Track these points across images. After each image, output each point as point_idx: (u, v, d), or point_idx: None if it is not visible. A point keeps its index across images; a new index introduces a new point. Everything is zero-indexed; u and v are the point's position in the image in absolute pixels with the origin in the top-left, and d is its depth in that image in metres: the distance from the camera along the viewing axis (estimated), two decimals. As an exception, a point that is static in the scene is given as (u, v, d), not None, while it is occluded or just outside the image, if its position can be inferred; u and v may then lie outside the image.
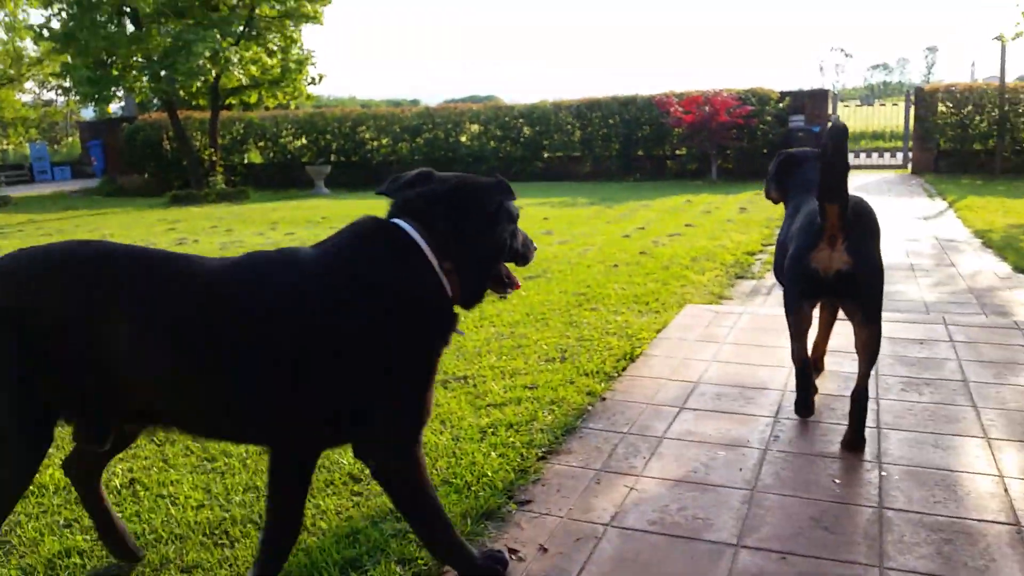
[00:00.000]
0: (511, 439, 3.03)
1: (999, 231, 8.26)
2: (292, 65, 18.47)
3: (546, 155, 18.83)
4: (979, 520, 2.38)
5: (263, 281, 1.87)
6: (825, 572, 2.15)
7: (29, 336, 1.73)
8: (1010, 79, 15.93)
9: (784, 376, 3.75)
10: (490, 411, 3.29)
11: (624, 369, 3.94)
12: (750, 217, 9.89)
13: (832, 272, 2.89)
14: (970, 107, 15.76)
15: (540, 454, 2.95)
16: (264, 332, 1.81)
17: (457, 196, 2.02)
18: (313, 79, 19.47)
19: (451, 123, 19.45)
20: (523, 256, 2.18)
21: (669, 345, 4.34)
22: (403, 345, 1.92)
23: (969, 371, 3.76)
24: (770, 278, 6.36)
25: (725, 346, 4.29)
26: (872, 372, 3.74)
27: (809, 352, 3.39)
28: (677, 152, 17.47)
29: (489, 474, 2.72)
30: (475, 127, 19.37)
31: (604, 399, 3.53)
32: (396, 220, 1.99)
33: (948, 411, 3.26)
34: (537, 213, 11.21)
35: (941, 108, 16.10)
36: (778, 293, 5.77)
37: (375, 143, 20.14)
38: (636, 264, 6.77)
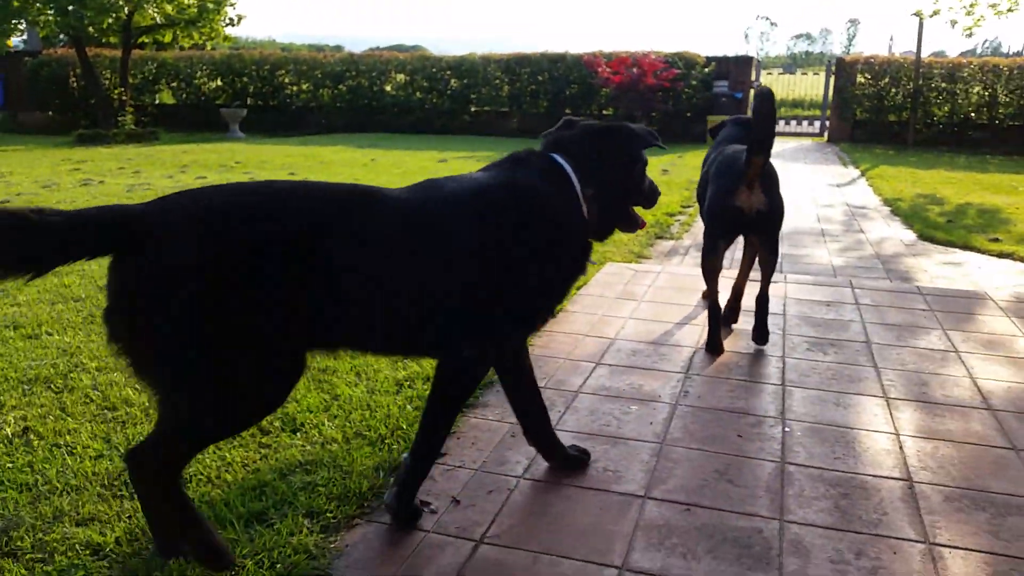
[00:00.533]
0: (427, 391, 2.99)
1: (907, 200, 8.60)
2: (210, 5, 17.61)
3: (473, 109, 18.62)
4: (875, 476, 2.49)
5: (449, 203, 2.06)
6: (728, 523, 2.21)
7: (274, 266, 1.75)
8: (925, 55, 16.49)
9: (697, 334, 3.84)
10: (407, 364, 3.25)
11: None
12: (671, 179, 10.02)
13: (753, 211, 3.42)
14: (887, 79, 16.27)
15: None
16: (453, 247, 1.99)
17: (604, 136, 2.33)
18: (231, 20, 18.63)
19: (376, 72, 18.99)
20: (648, 198, 2.47)
21: (589, 302, 4.37)
22: (547, 256, 2.15)
23: (872, 333, 3.92)
24: (688, 239, 6.47)
25: (643, 304, 4.35)
26: (780, 331, 3.89)
27: (728, 296, 4.04)
28: (604, 112, 17.51)
29: (404, 427, 2.69)
30: (401, 77, 18.97)
31: (522, 354, 3.53)
32: (550, 153, 2.28)
33: (851, 371, 3.40)
34: (462, 167, 11.09)
35: (860, 79, 16.57)
36: (695, 253, 5.88)
37: (295, 88, 19.52)
38: (559, 221, 6.77)
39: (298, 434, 2.66)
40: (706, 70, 16.82)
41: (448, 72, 18.55)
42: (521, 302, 2.12)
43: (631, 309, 4.24)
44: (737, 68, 17.26)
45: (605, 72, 16.16)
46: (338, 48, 34.04)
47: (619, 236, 6.23)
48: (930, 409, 3.01)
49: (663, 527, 2.19)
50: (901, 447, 2.69)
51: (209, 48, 21.18)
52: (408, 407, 2.86)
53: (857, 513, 2.27)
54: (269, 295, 1.75)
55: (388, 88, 19.03)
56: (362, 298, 1.90)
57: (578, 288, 4.63)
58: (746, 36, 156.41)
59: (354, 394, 2.96)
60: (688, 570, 2.00)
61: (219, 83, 19.91)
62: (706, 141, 16.08)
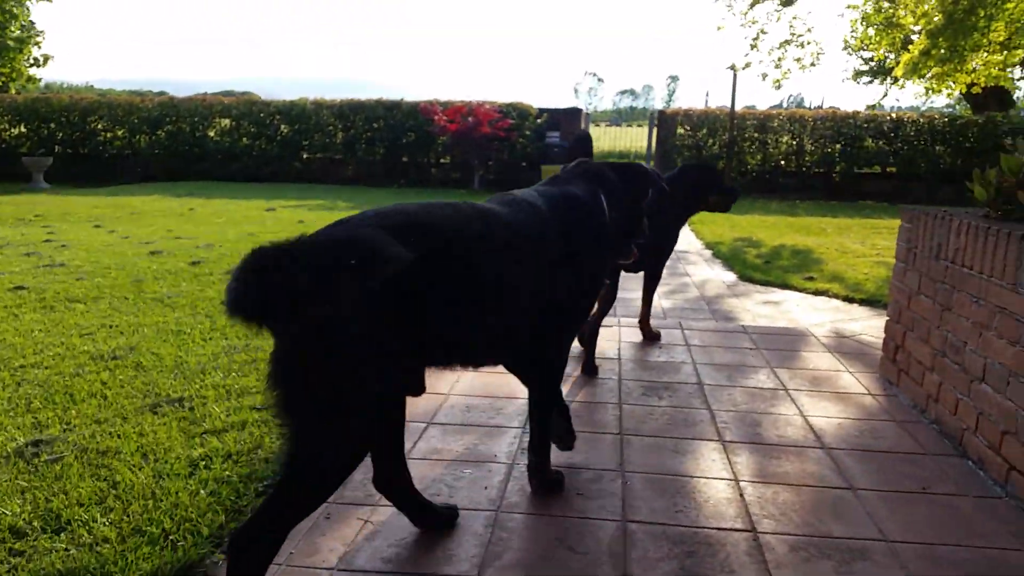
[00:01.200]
0: (228, 472, 2.59)
1: (727, 243, 9.01)
2: (11, 43, 16.12)
3: (305, 156, 18.03)
4: (718, 528, 2.36)
5: (532, 217, 2.29)
6: (569, 599, 1.99)
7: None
8: (739, 107, 17.73)
9: (534, 385, 3.66)
10: (206, 439, 2.83)
11: (370, 382, 3.64)
12: (508, 225, 10.00)
13: None
14: (704, 130, 17.30)
15: (261, 488, 2.55)
16: (536, 253, 2.22)
17: (626, 171, 2.76)
18: (37, 60, 17.14)
19: (198, 116, 18.01)
20: (643, 233, 2.80)
21: (420, 355, 4.10)
22: (601, 265, 2.62)
23: (704, 374, 3.89)
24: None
25: (477, 355, 4.13)
26: (616, 376, 3.78)
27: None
28: (442, 160, 17.49)
29: (195, 518, 2.28)
30: (226, 122, 18.09)
31: (345, 417, 3.20)
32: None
33: (686, 414, 3.32)
34: (291, 216, 10.58)
35: (680, 131, 17.52)
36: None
37: (108, 134, 18.13)
38: (392, 270, 6.48)
39: (62, 535, 2.19)
40: (539, 121, 17.22)
41: (278, 117, 17.90)
42: (583, 305, 2.55)
43: (465, 361, 4.01)
44: (567, 120, 17.79)
45: (441, 120, 16.16)
46: (161, 93, 32.24)
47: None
48: (766, 451, 2.96)
49: (498, 613, 1.93)
50: (741, 494, 2.59)
51: (13, 91, 19.37)
52: (202, 492, 2.45)
53: (704, 573, 2.12)
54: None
55: (212, 134, 18.08)
56: (479, 307, 2.02)
57: (409, 340, 4.35)
58: (575, 91, 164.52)
59: (137, 480, 2.51)
60: (526, 664, 1.74)
61: (22, 129, 18.17)
62: (541, 188, 16.43)
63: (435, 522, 2.32)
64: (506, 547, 2.23)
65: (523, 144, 16.83)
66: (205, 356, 3.91)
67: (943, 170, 15.52)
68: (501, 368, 3.89)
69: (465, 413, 3.28)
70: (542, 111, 17.54)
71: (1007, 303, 2.74)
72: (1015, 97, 17.34)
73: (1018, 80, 18.21)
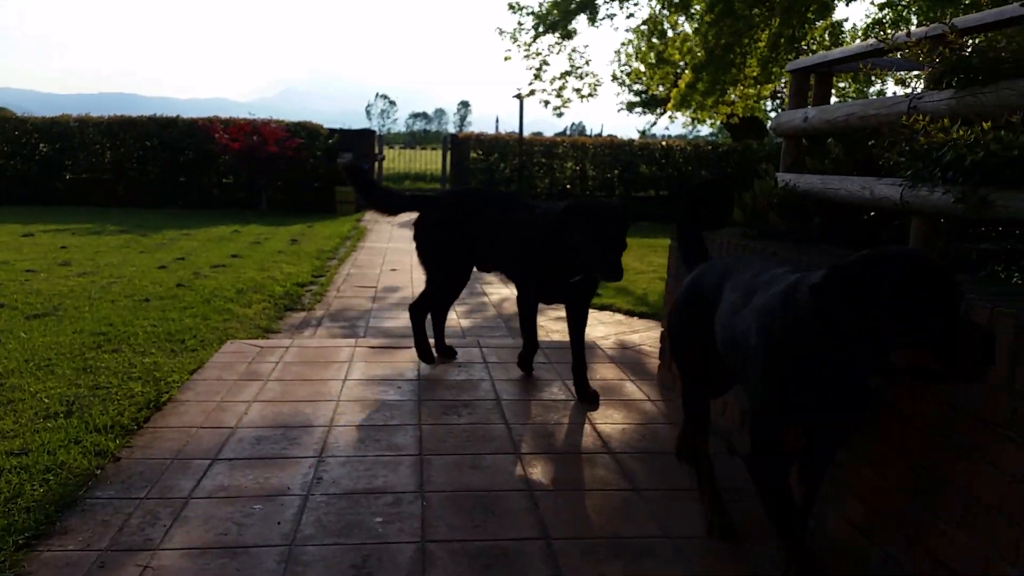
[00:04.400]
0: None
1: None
2: None
3: (69, 176, 16.40)
4: (515, 539, 2.41)
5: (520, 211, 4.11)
6: (369, 628, 1.93)
7: None
8: (527, 133, 18.45)
9: (330, 410, 3.55)
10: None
11: (147, 420, 3.35)
12: (301, 248, 9.70)
13: None
14: (496, 155, 17.83)
15: (22, 541, 2.27)
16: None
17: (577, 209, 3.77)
18: None
19: (-62, 133, 15.84)
20: (597, 268, 3.64)
21: (205, 388, 3.84)
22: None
23: (501, 390, 3.98)
24: (320, 309, 6.19)
25: (269, 384, 3.94)
26: (416, 398, 3.77)
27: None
28: (225, 180, 16.61)
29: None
30: (-28, 140, 16.05)
31: (119, 459, 2.92)
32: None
33: (484, 430, 3.37)
34: (52, 241, 9.57)
35: (473, 154, 17.93)
36: (329, 324, 5.62)
37: None
38: (172, 298, 6.05)
39: None
40: (330, 141, 16.89)
41: (36, 135, 16.17)
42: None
43: (255, 391, 3.81)
44: (361, 141, 17.62)
45: (223, 139, 15.35)
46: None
47: (242, 309, 5.73)
48: (559, 459, 3.07)
49: (293, 652, 1.83)
50: (536, 504, 2.66)
51: None
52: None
53: (503, 586, 2.14)
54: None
55: (-48, 152, 15.97)
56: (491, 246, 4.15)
57: (191, 372, 4.06)
58: (368, 113, 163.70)
59: None
60: None
61: None
62: (336, 211, 16.09)
63: None
64: (301, 582, 2.13)
65: (314, 164, 16.41)
66: (-57, 401, 3.41)
67: (708, 194, 17.05)
68: (298, 394, 3.77)
69: (255, 446, 3.11)
70: (333, 131, 17.23)
71: (762, 311, 3.05)
72: (768, 127, 19.44)
73: (770, 112, 20.49)
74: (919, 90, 2.84)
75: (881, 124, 3.03)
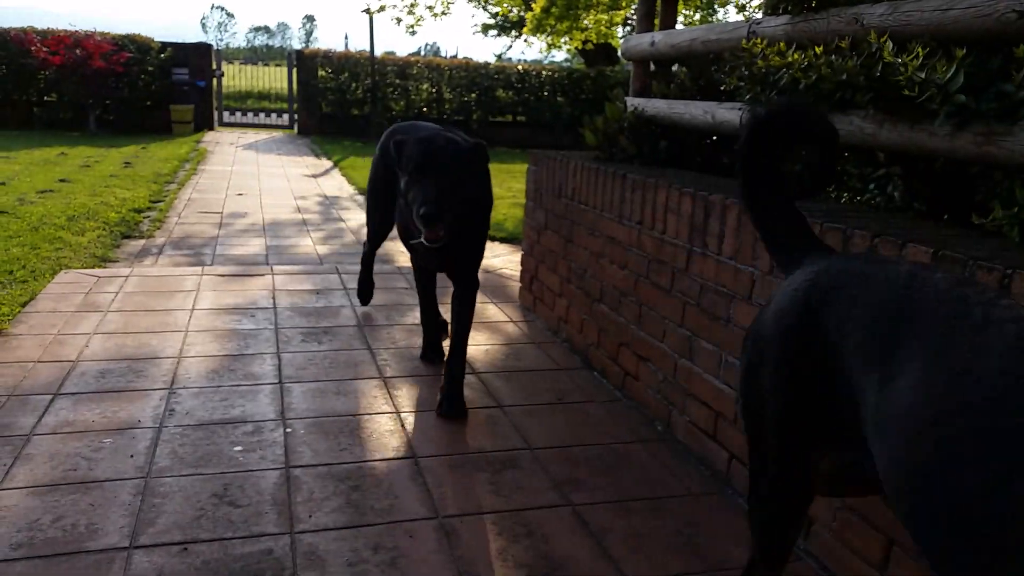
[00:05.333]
0: None
1: (375, 187, 9.11)
2: None
3: None
4: (382, 460, 2.44)
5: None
6: (233, 553, 1.92)
7: None
8: (379, 52, 17.79)
9: (178, 341, 3.40)
10: None
11: (-27, 356, 3.09)
12: (136, 172, 9.04)
13: None
14: (347, 74, 17.11)
15: None
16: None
17: None
18: None
19: None
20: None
21: (39, 320, 3.57)
22: None
23: (362, 315, 3.95)
24: (161, 236, 5.84)
25: (110, 315, 3.71)
26: (272, 326, 3.67)
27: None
28: (47, 98, 15.07)
29: None
30: None
31: (-59, 399, 2.69)
32: None
33: (347, 356, 3.35)
34: None
35: (321, 73, 17.13)
36: (171, 252, 5.32)
37: None
38: (-8, 226, 5.51)
39: None
40: (163, 56, 15.61)
41: None
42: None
43: (95, 323, 3.58)
44: (197, 56, 16.40)
45: (42, 52, 13.85)
46: None
47: (75, 237, 5.32)
48: (424, 382, 3.11)
49: (155, 582, 1.79)
50: (403, 424, 2.70)
51: None
52: None
53: (370, 504, 2.18)
54: None
55: None
56: None
57: (23, 305, 3.76)
58: (203, 26, 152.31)
59: None
60: (192, 628, 1.65)
61: None
62: (172, 131, 15.01)
63: None
64: (160, 512, 2.07)
65: (146, 81, 15.17)
66: None
67: (564, 119, 17.24)
68: (142, 325, 3.58)
69: (99, 379, 2.94)
70: (165, 45, 15.93)
71: (615, 233, 3.17)
72: (619, 53, 19.82)
73: (621, 38, 20.83)
74: (758, 16, 2.97)
75: (723, 49, 3.16)
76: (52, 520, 2.01)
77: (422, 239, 2.64)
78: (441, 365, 3.15)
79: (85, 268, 4.61)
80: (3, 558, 1.85)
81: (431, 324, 3.38)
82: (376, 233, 3.84)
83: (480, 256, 3.05)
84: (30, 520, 2.01)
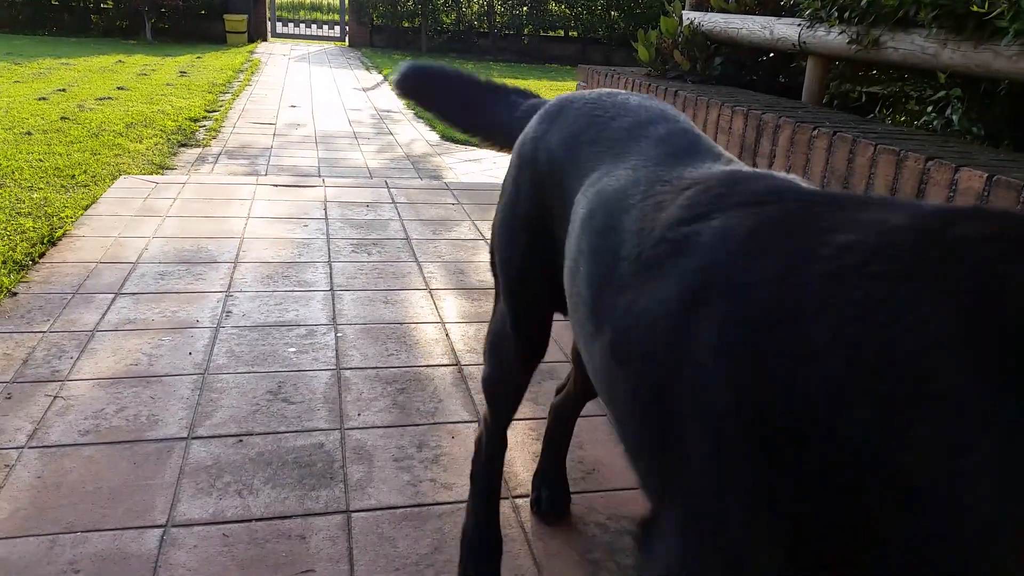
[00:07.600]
0: None
1: (426, 102, 9.06)
2: None
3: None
4: (427, 366, 2.53)
5: None
6: (286, 446, 2.04)
7: None
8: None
9: (234, 247, 3.51)
10: None
11: (42, 255, 3.25)
12: (191, 81, 9.13)
13: None
14: (398, -15, 16.85)
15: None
16: None
17: None
18: None
19: None
20: None
21: (100, 223, 3.71)
22: None
23: (411, 229, 4.01)
24: (216, 145, 5.94)
25: (168, 220, 3.84)
26: (324, 236, 3.76)
27: None
28: (104, 5, 15.19)
29: None
30: None
31: (15, 294, 2.85)
32: None
33: (395, 268, 3.42)
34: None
35: (372, -17, 16.89)
36: (226, 161, 5.43)
37: None
38: (57, 132, 5.67)
39: None
40: (218, -36, 15.55)
41: None
42: None
43: (154, 227, 3.71)
44: (251, -36, 16.28)
45: (97, -42, 13.93)
46: None
47: (133, 144, 5.45)
48: (469, 295, 3.18)
49: (213, 467, 1.92)
50: (448, 334, 2.78)
51: None
52: None
53: (415, 406, 2.28)
54: None
55: None
56: None
57: (85, 208, 3.91)
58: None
59: None
60: (245, 508, 1.78)
61: None
62: (225, 41, 15.03)
63: None
64: (216, 406, 2.20)
65: (202, -10, 15.16)
66: None
67: (618, 34, 16.76)
68: (199, 231, 3.70)
69: (159, 280, 3.08)
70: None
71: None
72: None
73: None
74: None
75: (788, -37, 3.05)
76: (116, 410, 2.15)
77: None
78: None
79: (143, 174, 4.74)
80: (72, 443, 1.99)
81: None
82: (522, 343, 1.50)
83: None
84: (96, 409, 2.15)
